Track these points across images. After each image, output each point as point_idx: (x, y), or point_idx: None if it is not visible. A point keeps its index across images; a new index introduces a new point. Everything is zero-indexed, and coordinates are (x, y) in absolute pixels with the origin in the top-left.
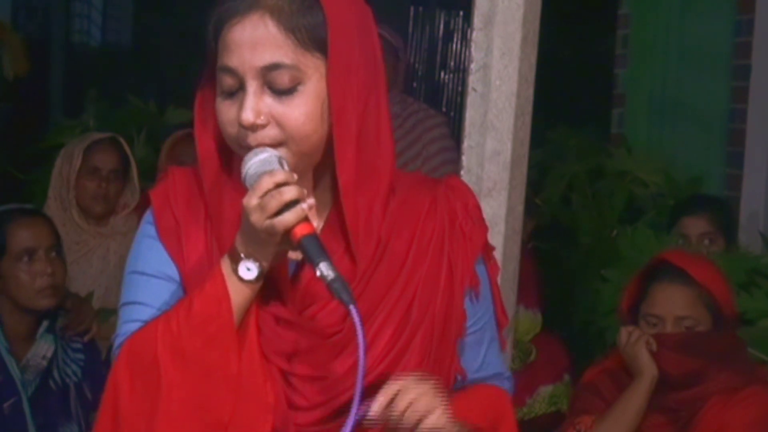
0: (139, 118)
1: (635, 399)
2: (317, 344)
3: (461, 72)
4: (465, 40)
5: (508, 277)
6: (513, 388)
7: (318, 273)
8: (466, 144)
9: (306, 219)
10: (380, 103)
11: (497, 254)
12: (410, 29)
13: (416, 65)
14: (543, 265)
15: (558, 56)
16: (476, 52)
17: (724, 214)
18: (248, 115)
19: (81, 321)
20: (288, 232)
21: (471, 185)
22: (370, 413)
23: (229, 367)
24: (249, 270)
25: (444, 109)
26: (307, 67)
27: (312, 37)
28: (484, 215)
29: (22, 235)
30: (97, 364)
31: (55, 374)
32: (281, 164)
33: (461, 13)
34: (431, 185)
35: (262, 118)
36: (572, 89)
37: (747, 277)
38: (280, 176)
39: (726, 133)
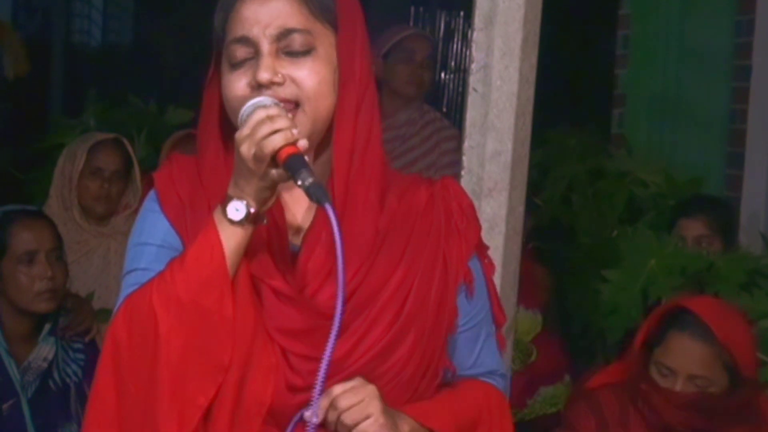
0: (139, 118)
1: None
2: (316, 324)
3: (462, 72)
4: (465, 40)
5: (508, 277)
6: (507, 386)
7: (298, 182)
8: (466, 144)
9: (294, 144)
10: (374, 105)
11: (497, 254)
12: None
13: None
14: (543, 265)
15: (559, 57)
16: (477, 53)
17: (722, 216)
18: (264, 74)
19: (81, 321)
20: (275, 157)
21: (471, 185)
22: (312, 417)
23: (224, 310)
24: (237, 210)
25: (444, 110)
26: (319, 35)
27: (323, 7)
28: (485, 215)
29: (24, 237)
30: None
31: (55, 375)
32: (277, 105)
33: (462, 13)
34: (427, 184)
35: (278, 76)
36: (573, 89)
37: (747, 277)
38: (273, 110)
39: (726, 134)
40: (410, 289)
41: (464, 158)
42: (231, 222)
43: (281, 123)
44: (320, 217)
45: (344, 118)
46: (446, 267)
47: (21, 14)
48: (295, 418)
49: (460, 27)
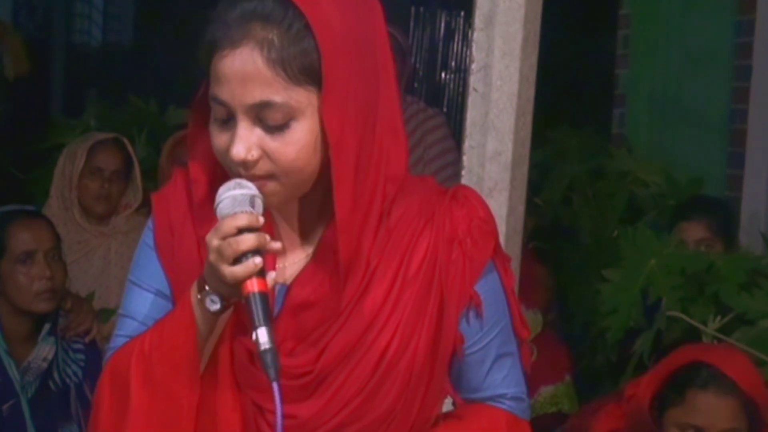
0: (139, 118)
1: None
2: (288, 383)
3: (462, 72)
4: (466, 40)
5: None
6: (525, 408)
7: (253, 337)
8: (467, 144)
9: (259, 273)
10: (381, 114)
11: None
12: (411, 29)
13: (417, 65)
14: (543, 265)
15: (559, 57)
16: (477, 53)
17: (723, 219)
18: (239, 151)
19: (81, 321)
20: (239, 284)
21: (472, 186)
22: None
23: (191, 395)
24: (213, 302)
25: (445, 110)
26: (299, 103)
27: (303, 69)
28: None
29: (22, 237)
30: (98, 365)
31: (55, 375)
32: (252, 205)
33: (462, 13)
34: (434, 198)
35: (253, 153)
36: (573, 89)
37: (748, 277)
38: (242, 221)
39: (727, 134)
40: (396, 330)
41: (464, 158)
42: (206, 310)
43: (247, 244)
44: (307, 272)
45: (342, 179)
46: (443, 298)
47: (21, 14)
48: None
49: (461, 27)
